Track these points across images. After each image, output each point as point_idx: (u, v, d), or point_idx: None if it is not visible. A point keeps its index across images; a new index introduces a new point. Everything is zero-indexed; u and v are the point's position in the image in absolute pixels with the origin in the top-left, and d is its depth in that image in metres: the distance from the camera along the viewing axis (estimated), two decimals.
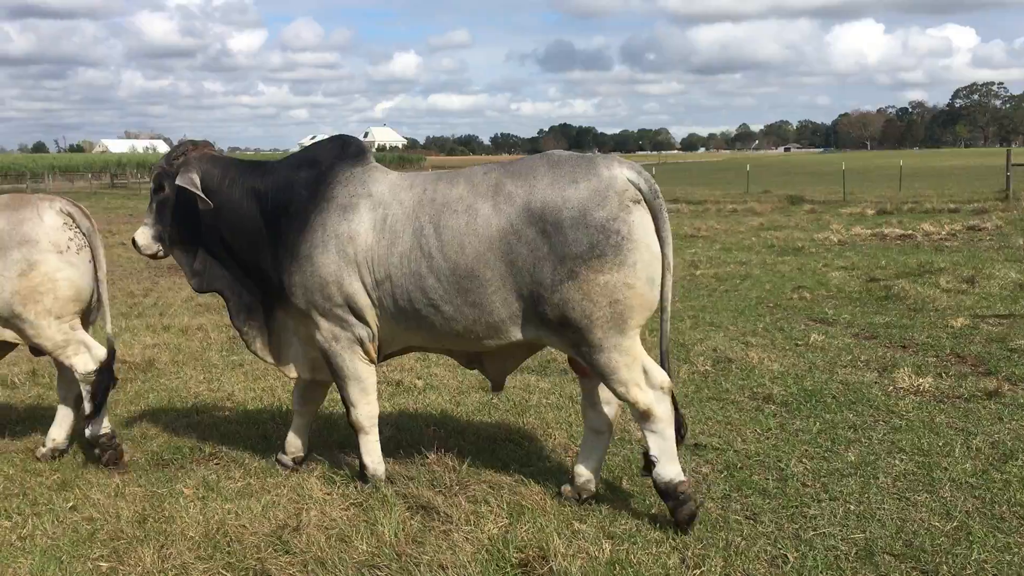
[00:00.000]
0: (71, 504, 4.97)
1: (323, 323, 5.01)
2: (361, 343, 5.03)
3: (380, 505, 4.75)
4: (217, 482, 5.28)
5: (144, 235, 5.44)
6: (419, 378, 7.74)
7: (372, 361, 5.13)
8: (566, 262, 4.42)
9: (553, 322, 4.54)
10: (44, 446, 5.92)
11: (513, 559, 4.10)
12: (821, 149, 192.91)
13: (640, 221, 4.48)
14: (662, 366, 4.71)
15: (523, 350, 5.08)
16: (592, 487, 4.91)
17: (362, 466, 5.22)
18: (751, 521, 4.55)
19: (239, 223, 5.22)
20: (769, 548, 4.22)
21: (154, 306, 12.49)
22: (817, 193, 34.50)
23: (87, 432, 5.75)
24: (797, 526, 4.48)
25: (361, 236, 4.83)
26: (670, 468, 4.55)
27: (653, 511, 4.69)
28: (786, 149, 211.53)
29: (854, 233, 19.64)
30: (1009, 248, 15.75)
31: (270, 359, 5.49)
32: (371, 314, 4.94)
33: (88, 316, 5.87)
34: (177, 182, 5.17)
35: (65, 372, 5.88)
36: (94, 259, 5.67)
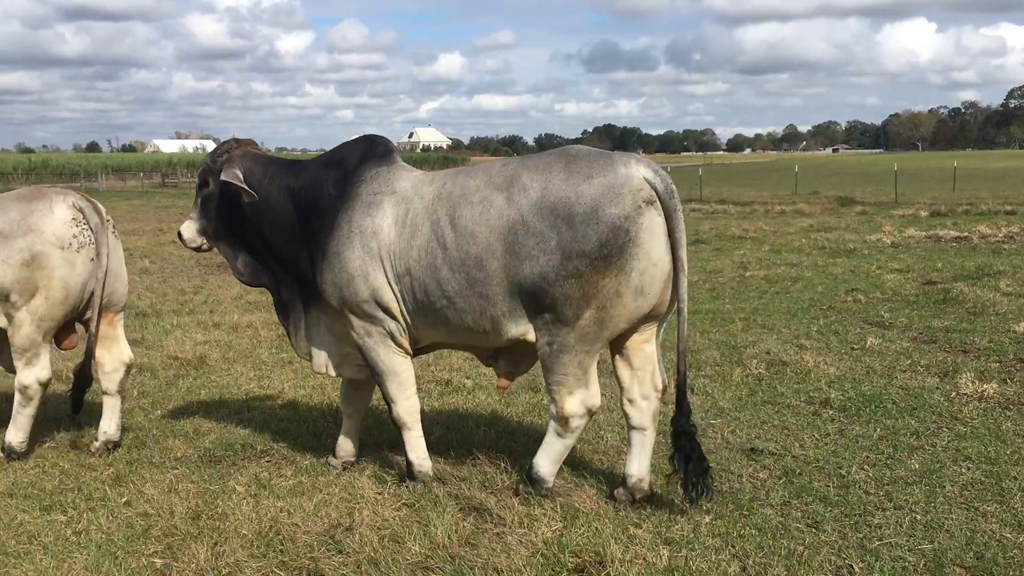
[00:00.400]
0: (125, 499, 4.98)
1: (355, 319, 5.07)
2: (392, 336, 5.07)
3: (432, 506, 4.69)
4: (269, 480, 5.26)
5: (189, 229, 5.54)
6: (468, 377, 7.68)
7: (408, 353, 5.16)
8: (572, 259, 4.44)
9: (544, 315, 4.57)
10: (97, 440, 5.95)
11: (569, 564, 4.01)
12: (881, 150, 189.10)
13: (649, 225, 4.46)
14: (678, 367, 4.66)
15: (532, 351, 5.00)
16: (644, 486, 4.83)
17: (408, 463, 5.21)
18: (813, 529, 4.42)
19: (276, 221, 5.30)
20: (833, 558, 4.09)
21: (204, 303, 12.59)
22: (867, 195, 33.94)
23: (5, 438, 5.79)
24: (861, 535, 4.34)
25: (384, 231, 4.90)
26: (549, 468, 4.87)
27: (710, 517, 4.58)
28: (834, 150, 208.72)
29: (907, 235, 19.29)
30: None
31: (306, 355, 5.56)
32: (396, 308, 4.99)
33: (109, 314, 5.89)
34: (222, 177, 5.25)
35: (105, 363, 5.91)
36: (97, 257, 5.64)
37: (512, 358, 5.14)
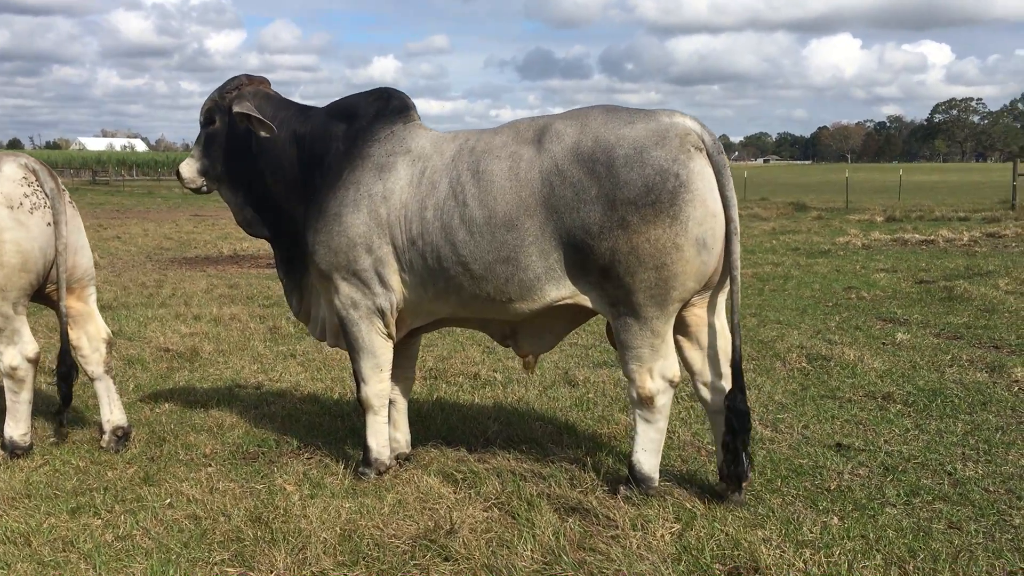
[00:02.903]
0: (167, 501, 4.35)
1: (343, 287, 4.61)
2: (382, 315, 4.64)
3: (526, 506, 4.17)
4: (321, 478, 4.69)
5: (190, 168, 5.12)
6: (495, 371, 7.16)
7: (390, 336, 4.73)
8: (617, 208, 4.02)
9: (595, 273, 4.15)
10: (104, 432, 5.30)
11: (716, 570, 3.53)
12: (810, 161, 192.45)
13: (701, 171, 4.05)
14: (733, 341, 4.27)
15: (559, 321, 4.63)
16: (747, 472, 4.36)
17: (366, 448, 4.80)
18: (955, 530, 4.01)
19: (279, 168, 4.88)
20: (996, 562, 3.67)
21: (173, 296, 11.86)
22: (818, 201, 34.24)
23: (4, 433, 5.13)
24: (1010, 537, 3.94)
25: (396, 194, 4.48)
26: (650, 460, 4.36)
27: (837, 519, 4.14)
28: (765, 160, 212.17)
29: (874, 238, 19.34)
30: None
31: (302, 317, 5.15)
32: (397, 281, 4.55)
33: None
34: (236, 109, 4.77)
35: (82, 345, 5.28)
36: (55, 224, 4.96)
37: (532, 332, 4.68)
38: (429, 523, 3.98)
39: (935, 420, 5.73)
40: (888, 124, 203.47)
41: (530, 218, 4.19)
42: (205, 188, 5.17)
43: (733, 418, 4.15)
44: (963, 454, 5.06)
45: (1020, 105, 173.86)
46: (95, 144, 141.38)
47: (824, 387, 6.60)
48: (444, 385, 6.75)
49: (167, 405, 6.22)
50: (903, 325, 9.08)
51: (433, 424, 5.59)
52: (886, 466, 4.87)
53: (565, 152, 4.17)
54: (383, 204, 4.48)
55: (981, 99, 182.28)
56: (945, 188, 48.16)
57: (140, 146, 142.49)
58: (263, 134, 4.74)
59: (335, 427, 5.67)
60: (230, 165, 5.03)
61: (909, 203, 31.98)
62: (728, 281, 4.30)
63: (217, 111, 4.99)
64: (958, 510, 4.24)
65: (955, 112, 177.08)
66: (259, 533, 3.90)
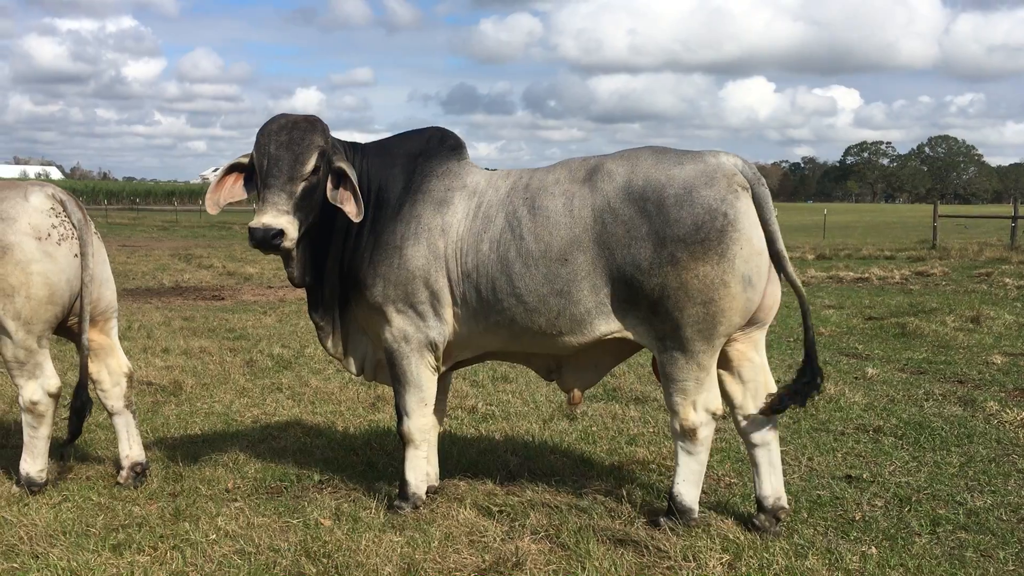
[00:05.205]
0: (212, 536, 4.29)
1: (397, 320, 4.64)
2: (434, 348, 4.68)
3: (574, 539, 4.23)
4: (355, 512, 4.67)
5: (293, 225, 4.33)
6: (491, 405, 7.21)
7: (437, 370, 4.78)
8: (667, 245, 4.19)
9: (644, 308, 4.30)
10: (123, 468, 5.20)
11: None
12: None
13: (746, 210, 4.26)
14: (810, 365, 4.47)
15: (605, 356, 4.75)
16: (784, 504, 4.52)
17: (403, 482, 4.80)
18: (987, 559, 4.20)
19: (337, 210, 4.61)
20: None
21: (131, 328, 11.59)
22: None
23: (21, 469, 5.02)
24: None
25: (454, 228, 4.57)
26: (691, 492, 4.48)
27: (875, 549, 4.30)
28: None
29: (811, 275, 19.92)
30: (976, 292, 16.03)
31: (340, 355, 5.04)
32: (450, 314, 4.62)
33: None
34: (342, 167, 4.54)
35: (102, 380, 5.19)
36: (81, 256, 4.90)
37: (578, 366, 4.79)
38: (487, 556, 4.02)
39: (929, 452, 5.97)
40: (802, 165, 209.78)
41: (583, 253, 4.31)
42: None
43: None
44: (967, 485, 5.29)
45: (927, 149, 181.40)
46: (8, 171, 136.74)
47: (815, 420, 6.81)
48: (445, 419, 6.76)
49: (171, 440, 6.12)
50: (867, 360, 9.42)
51: (451, 457, 5.60)
52: (900, 497, 5.05)
53: (617, 191, 4.31)
54: (441, 238, 4.55)
55: (890, 143, 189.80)
56: (862, 228, 49.86)
57: (55, 174, 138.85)
58: (349, 209, 4.46)
59: (350, 461, 5.65)
60: (318, 217, 4.58)
61: (835, 242, 33.03)
62: (766, 318, 4.47)
63: (323, 159, 4.48)
64: (982, 539, 4.43)
65: (866, 155, 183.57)
66: (320, 568, 3.88)
